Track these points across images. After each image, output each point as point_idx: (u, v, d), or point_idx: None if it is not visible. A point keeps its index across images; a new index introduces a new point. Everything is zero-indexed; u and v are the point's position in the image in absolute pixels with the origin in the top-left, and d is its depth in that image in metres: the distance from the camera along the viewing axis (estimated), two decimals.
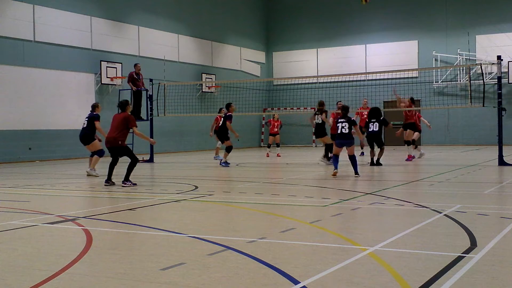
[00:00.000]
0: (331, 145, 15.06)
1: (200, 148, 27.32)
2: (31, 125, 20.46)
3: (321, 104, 16.59)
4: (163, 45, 26.10)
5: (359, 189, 10.26)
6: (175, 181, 12.40)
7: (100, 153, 13.67)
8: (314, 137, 17.39)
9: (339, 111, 14.00)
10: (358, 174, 12.29)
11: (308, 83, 28.51)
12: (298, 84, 28.54)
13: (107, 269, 4.66)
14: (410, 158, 17.62)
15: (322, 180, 12.00)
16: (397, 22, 30.20)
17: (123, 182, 11.18)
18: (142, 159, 18.16)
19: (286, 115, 31.73)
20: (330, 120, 16.49)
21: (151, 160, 19.11)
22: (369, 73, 27.11)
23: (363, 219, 7.20)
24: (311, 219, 6.86)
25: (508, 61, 25.77)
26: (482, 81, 18.11)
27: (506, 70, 25.51)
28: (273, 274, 4.36)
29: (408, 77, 25.95)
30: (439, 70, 28.83)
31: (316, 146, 31.21)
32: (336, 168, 12.58)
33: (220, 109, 18.61)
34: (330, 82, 29.35)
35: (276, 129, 21.74)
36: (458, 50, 28.65)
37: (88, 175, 13.63)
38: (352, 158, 12.52)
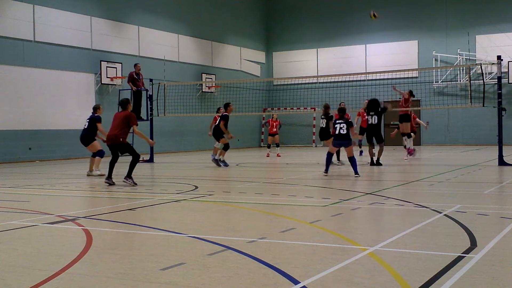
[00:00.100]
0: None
1: (200, 148, 27.32)
2: (31, 125, 20.46)
3: (327, 107, 16.05)
4: (163, 45, 26.10)
5: (359, 189, 10.26)
6: (175, 181, 12.39)
7: (100, 154, 13.69)
8: (319, 139, 17.32)
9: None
10: (358, 174, 12.30)
11: (308, 83, 28.52)
12: (298, 84, 28.54)
13: (107, 269, 4.66)
14: (411, 151, 17.59)
15: (322, 180, 11.99)
16: (397, 22, 30.19)
17: (124, 178, 11.21)
18: (142, 159, 18.16)
19: (286, 115, 31.73)
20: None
21: (151, 160, 19.12)
22: (369, 73, 27.11)
23: (363, 219, 7.20)
24: (311, 219, 6.86)
25: (508, 61, 25.77)
26: (482, 81, 18.11)
27: (506, 70, 25.52)
28: (273, 274, 4.36)
29: (408, 77, 25.94)
30: (439, 70, 28.83)
31: (316, 146, 31.22)
32: (326, 171, 12.84)
33: (218, 109, 18.65)
34: (330, 82, 29.35)
35: (275, 129, 21.73)
36: (458, 50, 28.66)
37: (88, 175, 13.65)
38: (352, 160, 12.57)
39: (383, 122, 17.56)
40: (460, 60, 28.62)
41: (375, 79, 28.15)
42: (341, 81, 28.96)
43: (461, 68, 28.21)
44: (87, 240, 5.78)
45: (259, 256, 4.91)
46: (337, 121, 12.88)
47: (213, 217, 7.52)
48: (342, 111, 13.08)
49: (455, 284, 4.02)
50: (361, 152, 20.14)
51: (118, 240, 6.03)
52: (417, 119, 19.03)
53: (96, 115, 13.81)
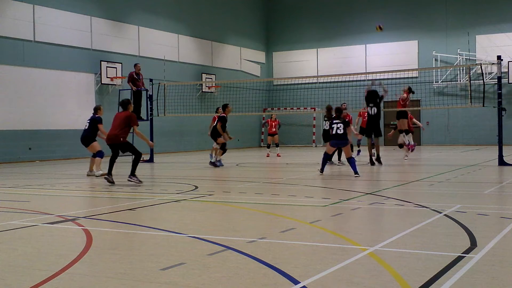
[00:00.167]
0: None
1: (200, 148, 27.31)
2: (31, 125, 20.46)
3: (329, 109, 15.93)
4: (163, 45, 26.10)
5: (359, 189, 10.26)
6: (175, 181, 12.40)
7: (100, 155, 13.68)
8: (322, 141, 17.35)
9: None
10: (358, 174, 12.30)
11: (308, 83, 28.51)
12: (298, 84, 28.53)
13: (107, 269, 4.66)
14: (411, 147, 17.56)
15: (322, 180, 12.00)
16: (397, 22, 30.19)
17: (129, 177, 11.24)
18: (142, 159, 18.15)
19: (286, 115, 31.73)
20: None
21: (151, 160, 19.12)
22: (369, 73, 27.01)
23: (363, 219, 7.19)
24: (311, 219, 6.86)
25: (508, 61, 25.78)
26: (482, 81, 18.11)
27: (506, 70, 25.52)
28: (273, 274, 4.36)
29: (408, 77, 25.94)
30: (439, 70, 28.84)
31: (316, 146, 31.21)
32: (322, 171, 12.96)
33: (217, 109, 18.65)
34: (330, 82, 29.35)
35: (274, 129, 21.73)
36: (458, 50, 28.66)
37: (88, 175, 13.66)
38: (350, 160, 12.58)
39: (382, 117, 17.42)
40: (460, 60, 28.62)
41: (375, 79, 28.08)
42: (341, 81, 28.96)
43: (461, 68, 28.21)
44: (87, 240, 5.77)
45: (259, 256, 4.91)
46: (334, 121, 12.93)
47: (213, 217, 7.52)
48: (339, 111, 13.11)
49: (455, 284, 4.02)
50: (358, 151, 20.12)
51: (118, 240, 6.03)
52: (414, 119, 19.00)
53: (97, 116, 13.81)
